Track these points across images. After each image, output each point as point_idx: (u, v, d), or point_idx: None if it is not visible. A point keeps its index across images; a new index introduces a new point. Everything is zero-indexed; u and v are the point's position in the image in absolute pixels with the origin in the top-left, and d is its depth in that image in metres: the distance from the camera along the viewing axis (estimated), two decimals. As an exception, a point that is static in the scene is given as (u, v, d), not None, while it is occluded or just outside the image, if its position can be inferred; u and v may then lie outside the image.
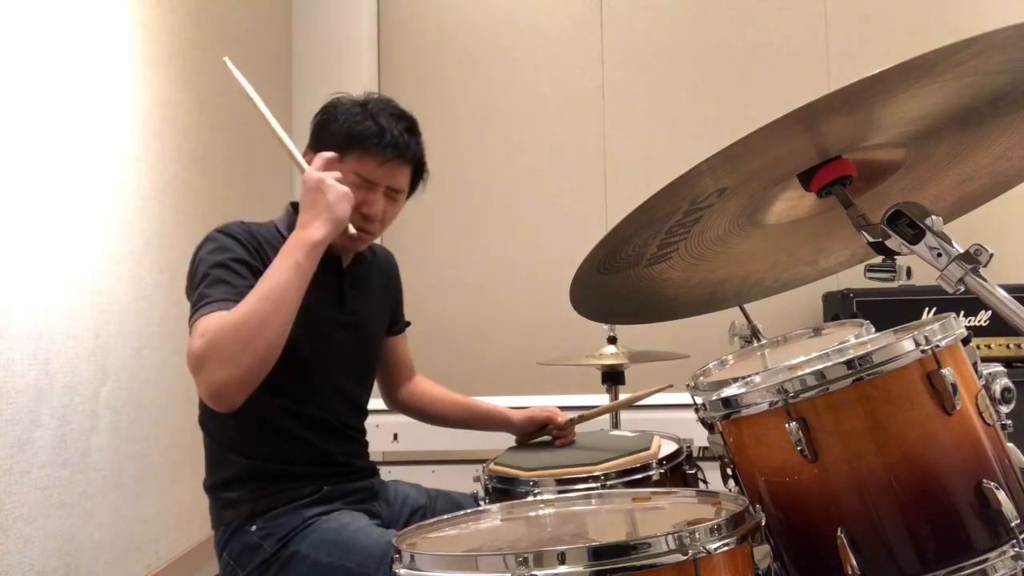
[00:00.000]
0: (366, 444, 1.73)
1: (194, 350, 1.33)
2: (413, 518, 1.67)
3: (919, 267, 1.19)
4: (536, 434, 1.81)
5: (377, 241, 1.74)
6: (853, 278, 2.07)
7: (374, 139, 1.53)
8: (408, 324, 1.91)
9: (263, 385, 1.38)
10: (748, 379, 1.36)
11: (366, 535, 1.46)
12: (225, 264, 1.44)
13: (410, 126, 1.60)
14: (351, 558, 1.42)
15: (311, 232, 1.41)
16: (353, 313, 1.66)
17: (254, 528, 1.49)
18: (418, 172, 1.64)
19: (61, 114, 2.11)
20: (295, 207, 1.59)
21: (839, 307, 3.44)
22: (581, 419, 1.79)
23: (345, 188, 1.46)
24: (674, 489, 1.35)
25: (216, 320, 1.34)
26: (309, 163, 1.52)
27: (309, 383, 1.56)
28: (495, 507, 1.25)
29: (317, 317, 1.54)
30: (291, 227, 1.56)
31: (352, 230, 1.50)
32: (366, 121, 1.55)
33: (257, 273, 1.43)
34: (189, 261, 1.51)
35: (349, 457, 1.64)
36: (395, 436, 2.87)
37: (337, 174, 1.47)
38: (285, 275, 1.37)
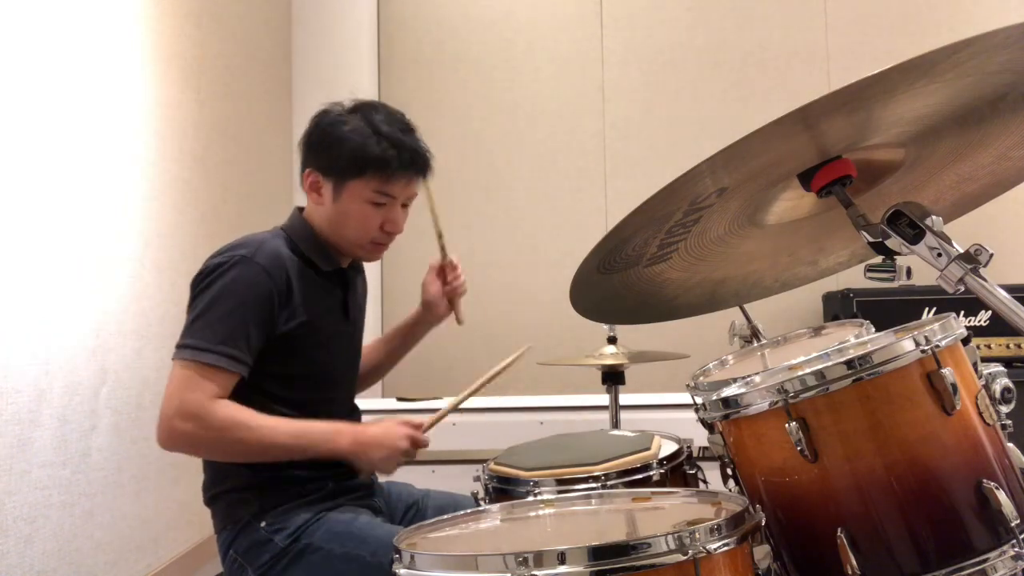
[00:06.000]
0: None
1: (192, 421, 1.39)
2: (408, 512, 1.70)
3: (919, 267, 1.19)
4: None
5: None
6: (853, 278, 2.07)
7: (395, 163, 1.53)
8: None
9: (273, 398, 1.48)
10: (748, 379, 1.36)
11: (378, 526, 1.50)
12: (246, 311, 1.45)
13: (416, 135, 1.60)
14: (365, 548, 1.44)
15: (348, 452, 1.49)
16: (353, 324, 1.70)
17: (263, 524, 1.49)
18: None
19: (62, 115, 2.11)
20: (302, 211, 1.63)
21: (839, 307, 3.44)
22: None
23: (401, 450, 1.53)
24: (674, 489, 1.35)
25: (230, 414, 1.41)
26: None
27: (320, 395, 1.60)
28: (495, 507, 1.25)
29: (330, 332, 1.59)
30: (301, 235, 1.56)
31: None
32: (381, 143, 1.53)
33: (269, 320, 1.47)
34: (212, 265, 1.49)
35: None
36: (395, 436, 2.85)
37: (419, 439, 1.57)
38: (298, 452, 1.47)
